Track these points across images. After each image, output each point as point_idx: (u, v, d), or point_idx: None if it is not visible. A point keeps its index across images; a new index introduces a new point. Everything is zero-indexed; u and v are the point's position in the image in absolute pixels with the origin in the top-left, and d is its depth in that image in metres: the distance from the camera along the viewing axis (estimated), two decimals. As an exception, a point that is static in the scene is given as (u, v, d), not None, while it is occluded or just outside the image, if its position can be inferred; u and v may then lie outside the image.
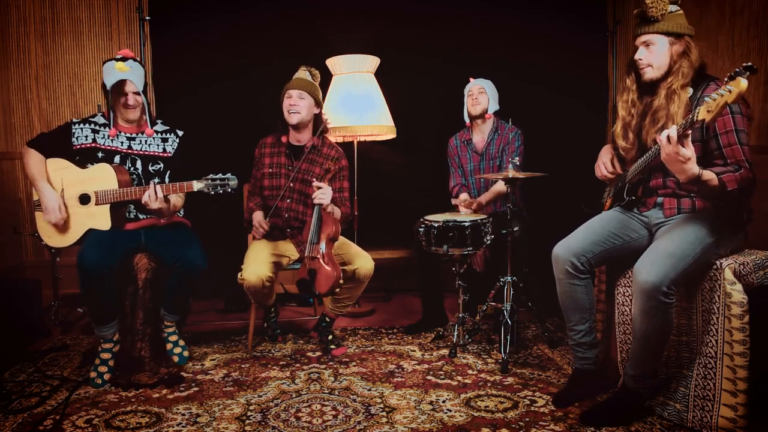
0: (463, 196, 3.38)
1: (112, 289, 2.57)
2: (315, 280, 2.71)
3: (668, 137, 1.86)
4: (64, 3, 3.99)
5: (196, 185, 2.55)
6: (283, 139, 3.01)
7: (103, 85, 2.66)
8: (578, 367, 2.36)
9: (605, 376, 2.40)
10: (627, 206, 2.33)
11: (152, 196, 2.53)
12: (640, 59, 2.19)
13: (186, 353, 2.77)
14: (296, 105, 2.86)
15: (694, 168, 1.87)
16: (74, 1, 3.99)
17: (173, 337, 2.76)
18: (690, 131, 1.84)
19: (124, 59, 2.63)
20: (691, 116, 1.83)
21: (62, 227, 2.62)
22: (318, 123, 3.00)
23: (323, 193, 2.73)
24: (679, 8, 2.16)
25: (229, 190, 2.55)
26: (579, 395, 2.31)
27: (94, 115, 2.77)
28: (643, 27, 2.16)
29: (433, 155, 3.86)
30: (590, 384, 2.34)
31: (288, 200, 2.98)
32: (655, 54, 2.16)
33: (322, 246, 2.74)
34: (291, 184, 2.95)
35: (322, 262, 2.71)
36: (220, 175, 2.54)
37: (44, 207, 2.59)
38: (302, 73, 2.96)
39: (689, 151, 1.85)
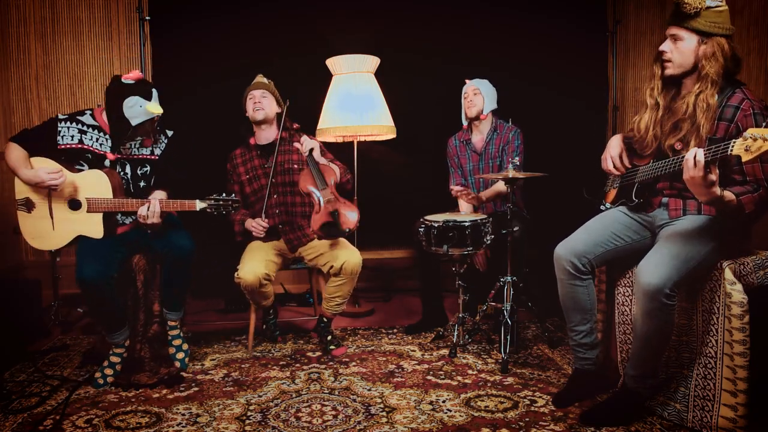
0: (458, 186, 3.35)
1: (116, 297, 2.54)
2: (340, 219, 2.79)
3: (695, 159, 1.76)
4: (64, 3, 3.99)
5: (199, 204, 2.51)
6: (252, 141, 3.09)
7: (118, 107, 2.55)
8: (578, 368, 2.36)
9: (605, 376, 2.40)
10: (636, 208, 2.28)
11: (151, 211, 2.48)
12: (663, 51, 2.08)
13: (188, 360, 2.74)
14: (260, 102, 3.01)
15: (717, 191, 1.81)
16: (74, 1, 3.99)
17: (177, 341, 2.72)
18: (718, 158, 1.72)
19: (143, 87, 2.57)
20: (723, 146, 1.69)
21: (47, 233, 2.55)
22: (281, 121, 3.11)
23: (308, 142, 2.92)
24: (721, 3, 1.96)
25: (232, 212, 2.56)
26: (579, 395, 2.31)
27: (83, 113, 2.65)
28: (674, 18, 2.02)
29: (433, 155, 3.86)
30: (590, 384, 2.34)
31: (275, 196, 3.00)
32: (680, 50, 2.02)
33: (333, 189, 2.87)
34: (273, 179, 2.98)
35: (339, 202, 2.83)
36: (224, 196, 2.52)
37: (38, 180, 2.44)
38: (261, 78, 3.10)
39: (714, 175, 1.76)
